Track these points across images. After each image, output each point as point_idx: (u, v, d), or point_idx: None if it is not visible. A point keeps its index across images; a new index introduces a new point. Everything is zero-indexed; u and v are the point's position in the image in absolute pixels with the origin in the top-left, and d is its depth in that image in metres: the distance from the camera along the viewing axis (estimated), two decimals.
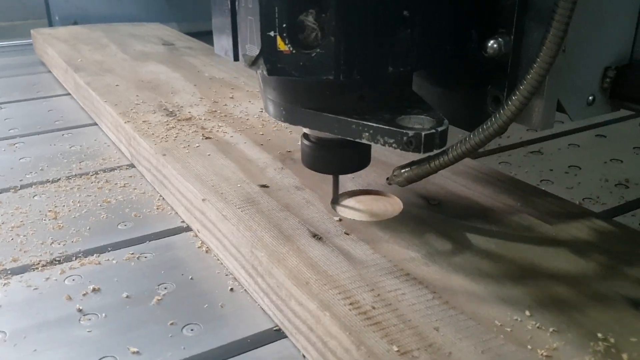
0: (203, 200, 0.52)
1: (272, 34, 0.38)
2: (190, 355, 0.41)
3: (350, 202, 0.52)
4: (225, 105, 0.78)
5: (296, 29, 0.38)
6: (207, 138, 0.66)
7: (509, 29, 0.40)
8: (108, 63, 1.00)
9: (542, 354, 0.34)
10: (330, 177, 0.53)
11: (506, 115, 0.38)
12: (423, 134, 0.39)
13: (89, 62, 1.01)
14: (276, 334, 0.44)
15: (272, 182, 0.55)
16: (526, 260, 0.43)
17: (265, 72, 0.40)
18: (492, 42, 0.40)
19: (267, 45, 0.38)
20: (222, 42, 0.45)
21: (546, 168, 0.71)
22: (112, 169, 0.70)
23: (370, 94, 0.42)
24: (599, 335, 0.35)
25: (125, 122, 0.71)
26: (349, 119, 0.41)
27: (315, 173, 0.57)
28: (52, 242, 0.55)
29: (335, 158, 0.47)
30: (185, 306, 0.46)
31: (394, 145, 0.40)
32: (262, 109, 0.76)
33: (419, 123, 0.41)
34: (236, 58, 0.43)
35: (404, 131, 0.39)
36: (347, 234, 0.46)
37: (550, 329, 0.36)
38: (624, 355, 0.34)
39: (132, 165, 0.71)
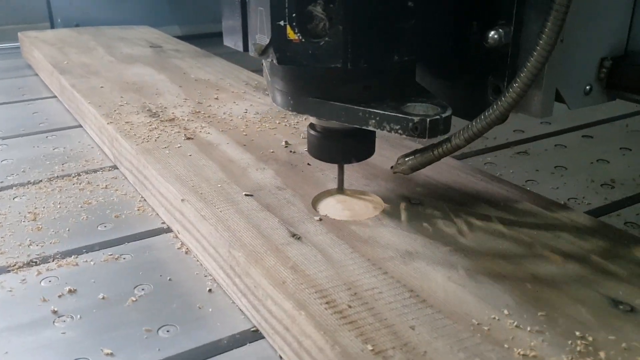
0: (182, 200, 0.52)
1: (282, 23, 0.39)
2: (165, 356, 0.40)
3: (331, 201, 0.52)
4: (210, 106, 0.77)
5: (305, 18, 0.39)
6: (189, 139, 0.65)
7: (509, 19, 0.41)
8: (94, 66, 0.99)
9: (519, 353, 0.33)
10: (313, 178, 0.53)
11: (507, 103, 0.39)
12: (428, 119, 0.40)
13: (75, 64, 1.00)
14: (253, 335, 0.43)
15: (253, 182, 0.55)
16: (506, 260, 0.43)
17: (275, 61, 0.41)
18: (492, 32, 0.41)
19: (277, 35, 0.40)
20: (232, 33, 0.46)
21: (532, 169, 0.71)
22: (95, 171, 0.70)
23: (376, 83, 0.43)
24: (577, 333, 0.35)
25: (108, 123, 0.71)
26: (356, 107, 0.42)
27: (297, 173, 0.56)
28: (30, 244, 0.54)
29: (341, 147, 0.48)
30: (162, 307, 0.45)
31: (399, 131, 0.41)
32: (246, 109, 0.76)
33: (424, 110, 0.42)
34: (245, 48, 0.44)
35: (410, 117, 0.40)
36: (327, 234, 0.46)
37: (529, 328, 0.35)
38: (602, 354, 0.33)
39: (115, 167, 0.70)
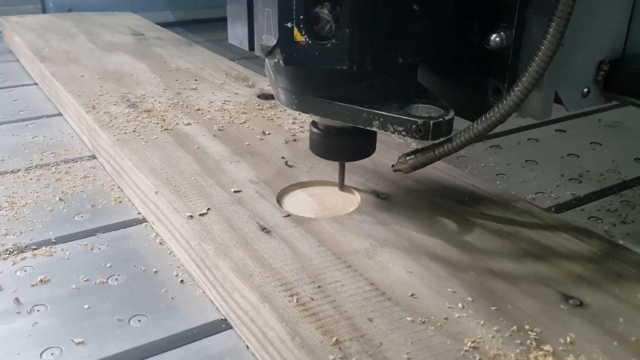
0: (156, 192, 0.53)
1: (289, 25, 0.40)
2: (135, 345, 0.42)
3: (302, 195, 0.53)
4: (188, 96, 0.78)
5: (312, 20, 0.40)
6: (166, 130, 0.66)
7: (510, 23, 0.41)
8: (75, 53, 0.99)
9: (470, 345, 0.35)
10: (286, 172, 0.54)
11: (508, 105, 0.40)
12: (432, 122, 0.40)
13: (56, 52, 1.00)
14: (222, 325, 0.44)
15: (227, 175, 0.56)
16: (465, 255, 0.44)
17: (281, 62, 0.41)
18: (494, 35, 0.42)
19: (284, 36, 0.40)
20: (237, 32, 0.47)
21: (503, 162, 0.72)
22: (74, 160, 0.71)
23: (380, 84, 0.44)
24: (527, 327, 0.37)
25: (86, 113, 0.71)
26: (360, 108, 0.43)
27: (271, 167, 0.58)
28: (7, 234, 0.55)
29: (343, 145, 0.48)
30: (135, 297, 0.47)
31: (402, 132, 0.41)
32: (224, 100, 0.77)
33: (427, 112, 0.43)
34: (251, 48, 0.45)
35: (414, 119, 0.41)
36: (295, 227, 0.47)
37: (482, 321, 0.37)
38: (547, 347, 0.35)
39: (93, 157, 0.71)
